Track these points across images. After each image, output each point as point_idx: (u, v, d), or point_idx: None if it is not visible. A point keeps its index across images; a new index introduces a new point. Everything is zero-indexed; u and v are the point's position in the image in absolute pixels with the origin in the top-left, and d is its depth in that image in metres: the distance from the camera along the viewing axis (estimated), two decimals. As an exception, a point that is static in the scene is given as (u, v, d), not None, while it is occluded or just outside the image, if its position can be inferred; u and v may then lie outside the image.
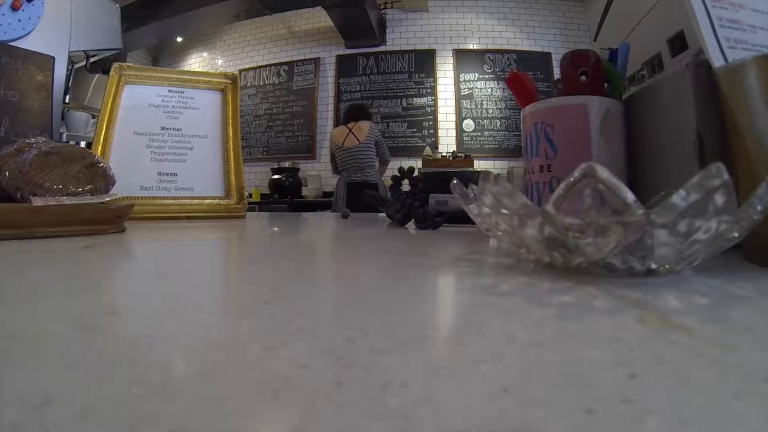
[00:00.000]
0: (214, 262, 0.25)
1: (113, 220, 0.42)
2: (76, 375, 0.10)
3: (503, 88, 3.59)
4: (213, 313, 0.14)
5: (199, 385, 0.09)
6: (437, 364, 0.10)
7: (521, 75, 0.46)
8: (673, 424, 0.08)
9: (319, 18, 3.72)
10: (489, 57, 3.66)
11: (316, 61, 3.81)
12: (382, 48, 3.72)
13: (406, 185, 0.59)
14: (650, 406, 0.08)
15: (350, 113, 2.50)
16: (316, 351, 0.11)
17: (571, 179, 0.17)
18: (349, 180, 2.37)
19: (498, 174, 0.22)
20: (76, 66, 1.68)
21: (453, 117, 3.63)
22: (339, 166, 2.46)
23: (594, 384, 0.09)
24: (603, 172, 0.16)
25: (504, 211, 0.21)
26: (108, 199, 0.45)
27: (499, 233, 0.23)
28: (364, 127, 2.40)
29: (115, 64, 0.74)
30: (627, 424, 0.08)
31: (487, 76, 3.65)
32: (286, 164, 3.23)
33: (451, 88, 3.66)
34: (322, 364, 0.10)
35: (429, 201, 0.56)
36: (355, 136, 2.38)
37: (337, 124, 3.31)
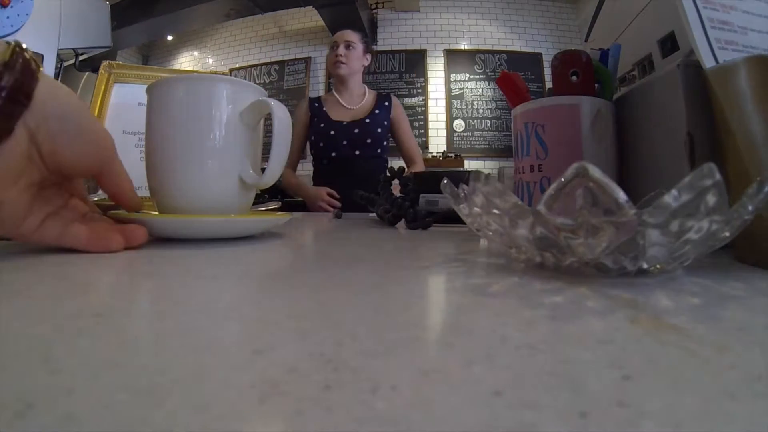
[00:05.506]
0: (201, 263, 0.25)
1: (101, 220, 0.41)
2: (60, 380, 0.09)
3: (494, 89, 3.60)
4: (200, 316, 0.14)
5: (185, 389, 0.09)
6: (428, 367, 0.10)
7: (512, 75, 0.46)
8: (667, 426, 0.08)
9: (310, 17, 3.71)
10: (480, 57, 3.66)
11: (307, 60, 3.80)
12: (373, 48, 3.72)
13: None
14: (644, 408, 0.08)
15: None
16: (304, 354, 0.11)
17: (563, 179, 0.17)
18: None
19: (488, 174, 0.21)
20: (65, 64, 1.66)
21: (443, 117, 3.64)
22: None
23: (587, 386, 0.09)
24: (595, 172, 0.16)
25: (495, 211, 0.21)
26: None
27: (490, 233, 0.23)
28: None
29: (105, 63, 0.73)
30: (621, 427, 0.07)
31: (477, 77, 3.66)
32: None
33: (442, 88, 3.67)
34: (310, 368, 0.10)
35: (419, 201, 0.56)
36: None
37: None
